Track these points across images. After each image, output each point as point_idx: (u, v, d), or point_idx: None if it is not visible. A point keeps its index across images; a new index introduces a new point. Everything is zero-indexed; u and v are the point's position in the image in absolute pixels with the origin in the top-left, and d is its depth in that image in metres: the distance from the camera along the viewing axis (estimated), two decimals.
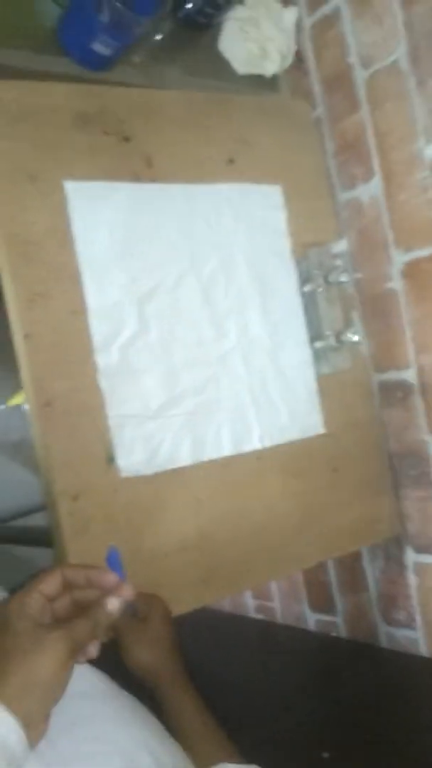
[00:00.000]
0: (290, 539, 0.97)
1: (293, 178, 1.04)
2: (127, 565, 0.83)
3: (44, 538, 0.88)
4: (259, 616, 1.40)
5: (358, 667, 1.11)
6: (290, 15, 1.10)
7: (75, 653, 0.51)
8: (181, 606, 0.88)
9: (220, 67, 1.08)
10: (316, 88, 1.10)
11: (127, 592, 0.58)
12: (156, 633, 0.78)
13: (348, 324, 0.96)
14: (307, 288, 0.99)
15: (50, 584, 0.56)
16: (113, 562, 0.78)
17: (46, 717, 0.51)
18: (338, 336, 0.96)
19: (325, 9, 1.07)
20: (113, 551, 0.78)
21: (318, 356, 0.99)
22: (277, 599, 1.36)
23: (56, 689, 0.50)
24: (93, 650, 0.56)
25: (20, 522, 1.37)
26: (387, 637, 1.14)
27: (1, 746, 0.46)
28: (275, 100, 1.10)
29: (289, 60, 1.11)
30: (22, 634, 0.50)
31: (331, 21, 1.06)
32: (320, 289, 0.97)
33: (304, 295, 1.00)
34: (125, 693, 0.69)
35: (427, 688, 0.98)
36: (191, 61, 1.06)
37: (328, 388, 1.03)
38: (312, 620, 1.29)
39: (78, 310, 0.83)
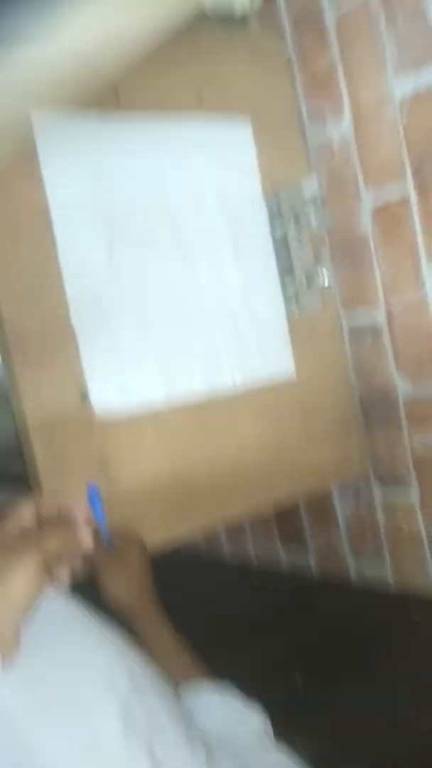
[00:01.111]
0: (263, 477, 0.99)
1: (263, 114, 1.04)
2: (104, 502, 0.85)
3: (23, 479, 0.89)
4: (234, 561, 1.44)
5: (328, 601, 1.15)
6: None
7: (44, 567, 0.53)
8: (158, 540, 0.90)
9: (190, 5, 1.06)
10: (287, 29, 1.09)
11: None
12: (132, 567, 0.80)
13: (318, 265, 0.97)
14: (278, 227, 1.00)
15: (24, 513, 0.57)
16: (93, 499, 0.80)
17: (17, 637, 0.52)
18: (309, 277, 0.97)
19: None
20: (93, 489, 0.80)
21: (288, 297, 1.00)
22: (250, 542, 1.39)
23: (27, 605, 0.51)
24: (63, 573, 0.57)
25: None
26: (356, 572, 1.18)
27: None
28: (245, 36, 1.08)
29: (258, 2, 1.10)
30: None
31: None
32: (291, 229, 0.97)
33: (274, 234, 1.00)
34: (98, 619, 0.71)
35: (394, 619, 1.02)
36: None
37: (298, 330, 1.04)
38: (285, 559, 1.32)
39: (49, 248, 0.83)
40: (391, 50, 0.95)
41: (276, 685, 0.86)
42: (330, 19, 1.02)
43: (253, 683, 0.80)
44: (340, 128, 1.04)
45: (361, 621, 1.03)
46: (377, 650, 0.91)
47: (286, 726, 0.74)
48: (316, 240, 1.01)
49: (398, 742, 0.71)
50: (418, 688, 0.81)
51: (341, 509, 1.18)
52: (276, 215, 1.00)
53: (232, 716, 0.70)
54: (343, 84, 1.02)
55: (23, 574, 0.51)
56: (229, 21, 1.08)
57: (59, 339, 0.83)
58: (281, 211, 0.99)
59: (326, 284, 0.96)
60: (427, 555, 1.05)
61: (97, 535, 0.81)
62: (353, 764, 0.70)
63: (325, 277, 0.96)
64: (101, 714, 0.52)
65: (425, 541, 1.05)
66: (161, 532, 0.89)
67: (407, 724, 0.74)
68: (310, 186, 1.04)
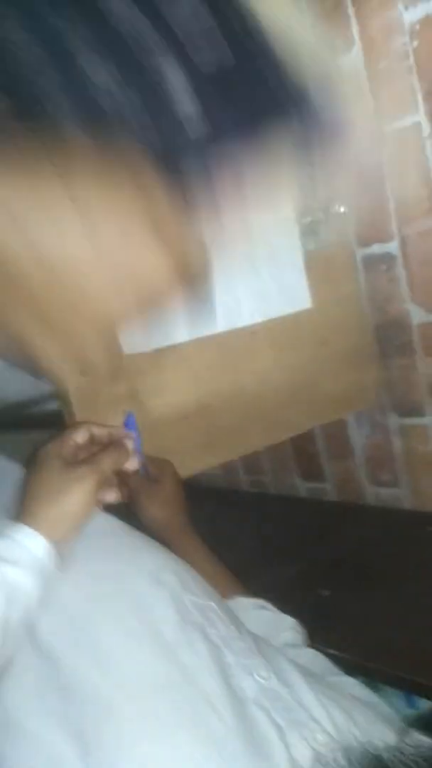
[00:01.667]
0: (283, 408, 1.03)
1: None
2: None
3: (58, 420, 0.93)
4: (253, 490, 1.49)
5: (347, 523, 1.20)
6: None
7: (100, 486, 0.57)
8: (185, 469, 0.94)
9: None
10: None
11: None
12: (167, 493, 0.85)
13: (335, 196, 0.99)
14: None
15: (80, 434, 0.61)
16: (130, 426, 0.84)
17: (72, 544, 0.57)
18: (325, 209, 0.99)
19: None
20: (130, 416, 0.84)
21: (305, 232, 1.02)
22: (269, 472, 1.44)
23: (82, 518, 0.56)
24: (112, 495, 0.62)
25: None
26: (374, 497, 1.23)
27: (38, 563, 0.53)
28: None
29: None
30: (56, 472, 0.56)
31: None
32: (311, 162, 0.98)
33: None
34: (140, 532, 0.76)
35: (411, 537, 1.07)
36: None
37: (314, 264, 1.06)
38: (303, 489, 1.37)
39: None
40: None
41: (302, 599, 0.92)
42: None
43: (280, 600, 0.86)
44: (350, 57, 1.04)
45: (379, 538, 1.08)
46: (397, 563, 0.97)
47: (314, 636, 0.80)
48: (333, 171, 1.02)
49: (421, 645, 0.77)
50: None
51: (357, 438, 1.22)
52: None
53: (269, 621, 0.75)
54: (351, 12, 1.01)
55: (82, 491, 0.55)
56: None
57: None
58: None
59: (342, 214, 0.97)
60: None
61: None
62: (378, 661, 0.76)
63: (341, 207, 0.97)
64: (156, 605, 0.57)
65: None
66: (187, 463, 0.94)
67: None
68: None
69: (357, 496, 1.26)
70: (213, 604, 0.62)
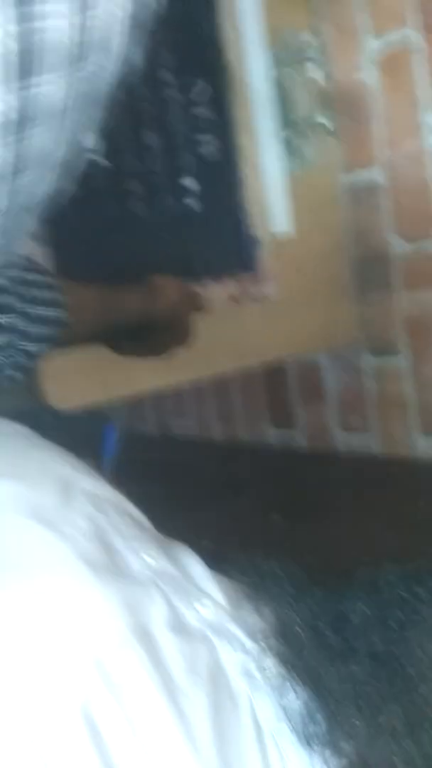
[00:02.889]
0: (253, 332, 0.98)
1: None
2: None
3: None
4: (224, 442, 1.45)
5: (311, 467, 1.16)
6: None
7: None
8: (143, 385, 0.90)
9: None
10: None
11: None
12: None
13: (321, 114, 0.94)
14: (277, 72, 0.96)
15: None
16: (109, 437, 0.83)
17: None
18: (311, 128, 0.94)
19: None
20: (110, 428, 0.83)
21: (288, 150, 0.97)
22: (240, 421, 1.40)
23: None
24: None
25: None
26: (343, 444, 1.18)
27: None
28: None
29: None
30: None
31: None
32: (288, 70, 0.93)
33: (273, 80, 0.96)
34: None
35: (377, 482, 1.03)
36: None
37: (297, 189, 1.01)
38: (273, 436, 1.33)
39: None
40: None
41: (252, 524, 0.87)
42: None
43: (233, 525, 0.82)
44: None
45: (340, 477, 1.04)
46: (354, 496, 0.93)
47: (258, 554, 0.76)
48: (318, 90, 0.98)
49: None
50: (396, 523, 0.82)
51: (331, 382, 1.18)
52: (273, 62, 0.96)
53: None
54: None
55: None
56: None
57: None
58: (279, 57, 0.95)
59: (326, 127, 0.93)
60: (414, 420, 1.05)
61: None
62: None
63: (324, 118, 0.92)
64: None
65: (414, 407, 1.05)
66: (146, 374, 0.89)
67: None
68: (314, 35, 0.99)
69: (326, 443, 1.21)
70: (110, 495, 0.57)
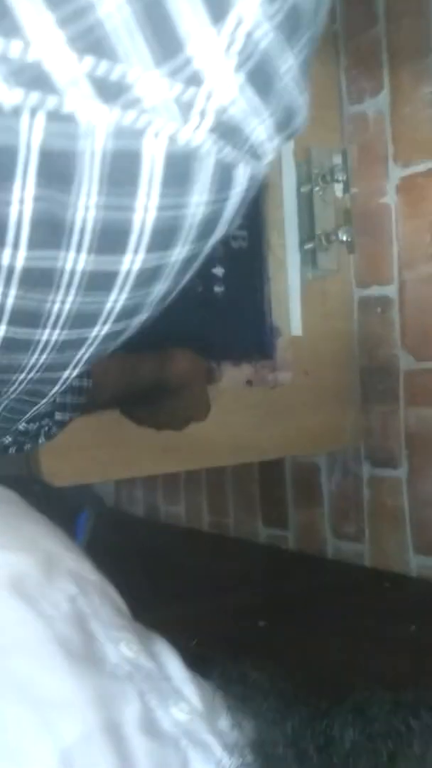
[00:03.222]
0: (253, 429, 0.99)
1: None
2: (98, 420, 0.85)
3: None
4: (213, 531, 1.43)
5: (299, 569, 1.14)
6: None
7: None
8: (139, 470, 0.90)
9: None
10: (337, 2, 1.11)
11: None
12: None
13: (340, 228, 0.98)
14: (305, 189, 1.01)
15: None
16: (81, 524, 0.84)
17: None
18: (328, 236, 0.98)
19: None
20: (84, 515, 0.84)
21: (306, 259, 1.01)
22: (231, 514, 1.38)
23: None
24: None
25: None
26: (334, 550, 1.17)
27: None
28: None
29: None
30: None
31: None
32: (317, 189, 0.98)
33: (300, 195, 1.01)
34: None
35: (364, 586, 1.01)
36: None
37: (311, 294, 1.05)
38: (264, 534, 1.31)
39: None
40: None
41: (239, 628, 0.85)
42: None
43: (215, 627, 0.79)
44: (377, 102, 1.05)
45: (330, 586, 1.02)
46: (343, 609, 0.91)
47: (241, 661, 0.73)
48: (339, 205, 1.02)
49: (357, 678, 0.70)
50: (381, 641, 0.80)
51: (327, 485, 1.18)
52: (303, 178, 1.01)
53: None
54: (384, 57, 1.04)
55: None
56: None
57: None
58: (309, 174, 1.01)
59: (346, 242, 0.96)
60: (408, 533, 1.04)
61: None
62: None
63: (344, 235, 0.96)
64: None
65: (407, 519, 1.04)
66: (144, 462, 0.89)
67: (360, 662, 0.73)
68: (340, 155, 1.05)
69: (317, 548, 1.19)
70: (94, 578, 0.56)
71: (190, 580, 1.10)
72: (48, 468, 0.83)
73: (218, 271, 0.96)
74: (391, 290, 1.05)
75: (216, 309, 0.96)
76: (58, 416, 0.64)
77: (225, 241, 0.96)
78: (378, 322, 1.07)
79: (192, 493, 1.47)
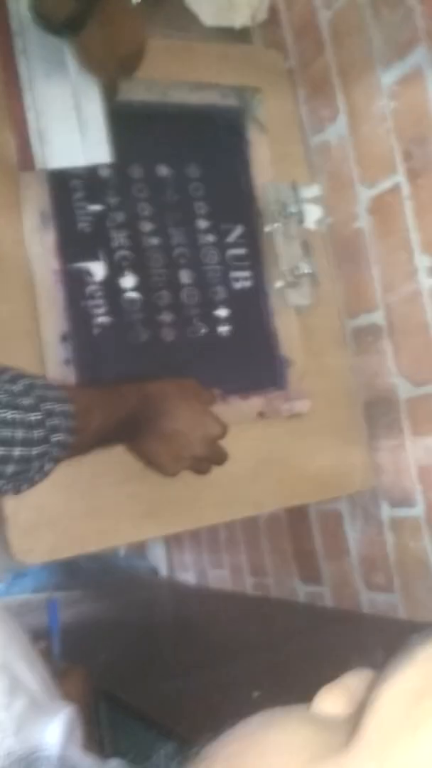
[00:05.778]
0: (245, 482, 0.93)
1: (265, 122, 1.03)
2: (68, 490, 0.83)
3: None
4: (257, 593, 1.36)
5: (336, 629, 1.05)
6: None
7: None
8: (121, 537, 0.86)
9: (190, 21, 1.09)
10: (289, 39, 1.09)
11: None
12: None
13: (305, 259, 0.93)
14: (268, 228, 0.98)
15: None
16: (53, 613, 0.83)
17: None
18: (293, 271, 0.93)
19: None
20: (53, 604, 0.84)
21: (275, 291, 0.96)
22: (270, 573, 1.31)
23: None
24: None
25: None
26: (369, 603, 1.07)
27: None
28: (242, 48, 1.10)
29: (263, 14, 1.12)
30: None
31: None
32: (277, 225, 0.95)
33: (265, 235, 0.98)
34: None
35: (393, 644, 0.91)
36: (163, 16, 1.08)
37: (298, 333, 0.99)
38: (302, 592, 1.23)
39: None
40: (378, 38, 0.93)
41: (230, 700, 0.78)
42: (324, 20, 1.02)
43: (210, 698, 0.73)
44: (337, 128, 1.02)
45: (362, 646, 0.93)
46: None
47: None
48: (307, 237, 0.98)
49: None
50: None
51: (352, 532, 1.09)
52: (267, 213, 0.98)
53: None
54: (336, 81, 1.01)
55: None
56: (229, 34, 1.10)
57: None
58: (267, 208, 0.97)
59: (310, 274, 0.92)
60: None
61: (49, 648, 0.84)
62: None
63: (306, 267, 0.91)
64: None
65: (431, 561, 0.94)
66: (125, 528, 0.86)
67: None
68: (309, 188, 1.02)
69: (353, 602, 1.10)
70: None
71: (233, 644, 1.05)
72: (19, 546, 0.81)
73: (222, 312, 0.95)
74: (378, 316, 0.98)
75: (221, 348, 0.95)
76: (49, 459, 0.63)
77: (226, 284, 0.95)
78: (372, 351, 1.00)
79: (233, 553, 1.41)
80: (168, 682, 0.96)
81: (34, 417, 0.60)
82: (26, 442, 0.59)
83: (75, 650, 0.91)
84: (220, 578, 1.47)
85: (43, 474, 0.64)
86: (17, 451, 0.59)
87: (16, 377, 0.62)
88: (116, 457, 0.85)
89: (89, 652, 0.93)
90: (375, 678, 0.27)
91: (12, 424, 0.58)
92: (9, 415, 0.58)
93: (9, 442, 0.58)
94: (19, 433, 0.58)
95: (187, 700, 0.88)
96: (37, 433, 0.60)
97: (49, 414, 0.61)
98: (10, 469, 0.59)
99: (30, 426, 0.59)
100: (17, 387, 0.60)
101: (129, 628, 1.32)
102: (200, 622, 1.33)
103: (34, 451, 0.60)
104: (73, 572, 1.65)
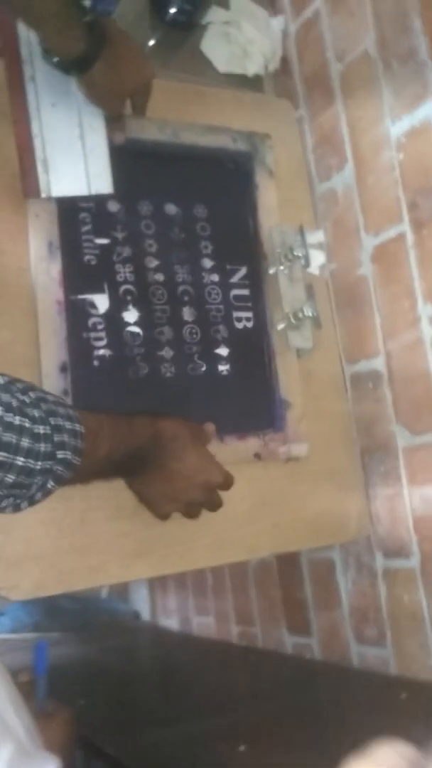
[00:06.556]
0: (238, 525, 0.91)
1: (274, 169, 1.04)
2: (57, 524, 0.81)
3: None
4: (243, 643, 1.32)
5: (326, 685, 1.01)
6: (277, 23, 1.14)
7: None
8: (109, 576, 0.84)
9: (205, 67, 1.11)
10: (300, 88, 1.12)
11: None
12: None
13: (308, 303, 0.93)
14: (272, 270, 0.98)
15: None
16: (40, 653, 0.82)
17: None
18: (296, 314, 0.93)
19: (307, 12, 1.10)
20: (42, 644, 0.82)
21: (281, 340, 0.96)
22: (258, 623, 1.28)
23: None
24: None
25: None
26: (358, 657, 1.04)
27: None
28: (254, 96, 1.12)
29: (275, 64, 1.14)
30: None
31: (312, 23, 1.09)
32: (282, 268, 0.95)
33: (270, 278, 0.98)
34: None
35: (381, 699, 0.88)
36: (179, 61, 1.10)
37: (297, 376, 0.99)
38: (290, 644, 1.20)
39: None
40: (387, 90, 0.95)
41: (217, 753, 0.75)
42: (335, 71, 1.04)
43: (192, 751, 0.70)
44: (344, 177, 1.03)
45: (352, 704, 0.89)
46: (369, 728, 0.78)
47: None
48: (310, 281, 0.98)
49: None
50: None
51: (344, 582, 1.06)
52: (272, 255, 0.99)
53: None
54: (345, 131, 1.02)
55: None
56: (243, 81, 1.13)
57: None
58: (272, 251, 0.98)
59: (312, 317, 0.92)
60: (429, 632, 0.92)
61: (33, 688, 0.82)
62: None
63: (309, 310, 0.91)
64: None
65: (426, 616, 0.92)
66: (113, 568, 0.83)
67: None
68: (314, 233, 1.02)
69: (342, 655, 1.07)
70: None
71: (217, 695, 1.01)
72: (3, 581, 0.78)
73: (222, 351, 0.94)
74: (378, 363, 0.98)
75: (220, 387, 0.94)
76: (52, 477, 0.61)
77: (228, 323, 0.95)
78: (371, 398, 1.00)
79: (219, 599, 1.38)
80: (147, 731, 0.92)
81: (42, 429, 0.58)
82: (31, 454, 0.57)
83: (53, 694, 0.88)
84: (204, 625, 1.43)
85: (45, 493, 0.62)
86: (20, 461, 0.56)
87: (28, 389, 0.61)
88: (110, 492, 0.83)
89: (67, 697, 0.89)
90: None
91: (18, 430, 0.56)
92: (17, 420, 0.56)
93: (13, 449, 0.55)
94: (25, 442, 0.56)
95: (168, 752, 0.85)
96: (43, 447, 0.58)
97: (58, 430, 0.60)
98: (10, 478, 0.57)
99: (37, 438, 0.57)
100: (28, 398, 0.59)
101: (109, 673, 1.28)
102: (183, 670, 1.29)
103: (38, 465, 0.58)
104: (53, 612, 1.60)
